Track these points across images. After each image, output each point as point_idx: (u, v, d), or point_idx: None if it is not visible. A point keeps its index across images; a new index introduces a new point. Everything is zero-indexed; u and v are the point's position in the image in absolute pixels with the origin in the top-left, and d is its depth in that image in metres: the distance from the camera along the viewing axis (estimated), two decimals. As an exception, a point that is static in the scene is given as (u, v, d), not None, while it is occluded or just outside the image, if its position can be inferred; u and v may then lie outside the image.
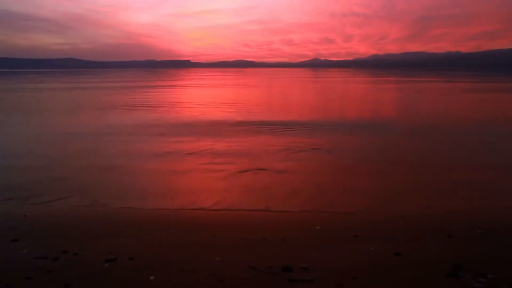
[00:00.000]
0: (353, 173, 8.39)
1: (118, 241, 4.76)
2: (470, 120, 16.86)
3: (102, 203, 6.47)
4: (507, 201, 6.66)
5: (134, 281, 3.72)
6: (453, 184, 7.59)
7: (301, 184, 7.50)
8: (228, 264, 4.06)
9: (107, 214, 5.85)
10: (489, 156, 10.06)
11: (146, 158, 9.70)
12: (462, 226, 5.23)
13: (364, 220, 5.53)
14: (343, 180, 7.85)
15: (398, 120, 17.23)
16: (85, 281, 3.72)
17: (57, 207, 6.34)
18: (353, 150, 10.69)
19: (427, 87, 43.16)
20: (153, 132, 13.51)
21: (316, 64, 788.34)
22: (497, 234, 4.98)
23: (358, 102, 26.83)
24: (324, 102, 27.05)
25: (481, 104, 25.15)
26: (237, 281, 3.70)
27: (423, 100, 27.83)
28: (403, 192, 7.10)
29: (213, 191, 7.20)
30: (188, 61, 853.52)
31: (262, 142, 11.66)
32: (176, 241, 4.77)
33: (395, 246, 4.54)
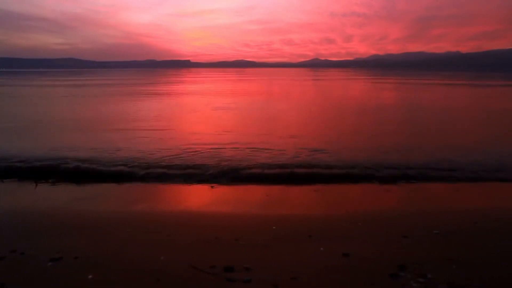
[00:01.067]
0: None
1: (69, 240, 4.74)
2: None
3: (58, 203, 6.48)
4: (467, 202, 6.67)
5: (72, 280, 3.71)
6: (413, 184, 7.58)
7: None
8: (170, 263, 4.05)
9: (61, 213, 5.84)
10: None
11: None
12: (420, 226, 5.21)
13: (321, 220, 5.51)
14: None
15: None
16: (22, 280, 3.71)
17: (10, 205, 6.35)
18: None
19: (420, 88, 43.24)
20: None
21: (316, 64, 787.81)
22: (453, 235, 4.96)
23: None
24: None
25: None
26: (173, 280, 3.68)
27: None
28: (361, 193, 7.11)
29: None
30: (188, 61, 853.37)
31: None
32: (128, 241, 4.75)
33: (346, 246, 4.52)
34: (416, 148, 10.64)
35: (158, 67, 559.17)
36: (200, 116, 18.29)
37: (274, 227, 5.26)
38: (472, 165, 8.75)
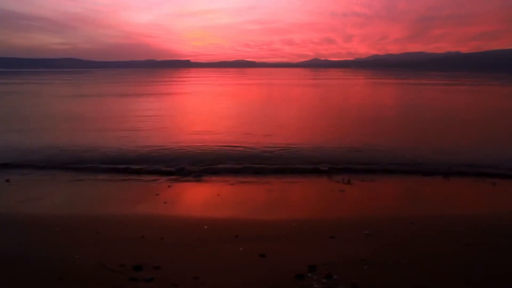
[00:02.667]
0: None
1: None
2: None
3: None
4: (401, 203, 6.62)
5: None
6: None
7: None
8: (82, 262, 4.03)
9: None
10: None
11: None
12: (351, 227, 5.15)
13: (249, 220, 5.47)
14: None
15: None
16: None
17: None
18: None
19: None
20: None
21: (316, 64, 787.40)
22: (383, 236, 4.90)
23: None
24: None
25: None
26: (76, 278, 3.65)
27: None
28: (295, 195, 7.12)
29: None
30: (188, 61, 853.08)
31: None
32: (53, 240, 4.72)
33: (269, 246, 4.48)
34: (366, 149, 10.62)
35: (158, 67, 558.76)
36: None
37: (205, 227, 5.21)
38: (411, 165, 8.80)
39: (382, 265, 3.96)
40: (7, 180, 7.79)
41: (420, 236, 4.96)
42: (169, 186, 7.46)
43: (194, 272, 3.78)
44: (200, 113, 20.09)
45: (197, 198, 6.92)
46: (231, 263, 4.04)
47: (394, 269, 3.89)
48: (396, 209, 6.16)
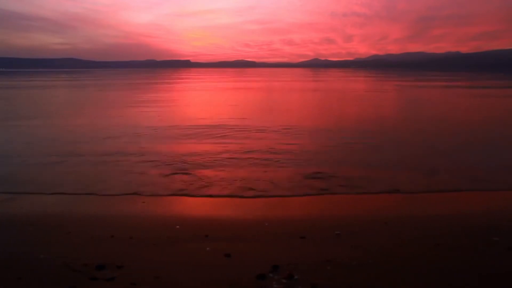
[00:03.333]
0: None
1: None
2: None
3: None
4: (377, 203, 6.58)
5: None
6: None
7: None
8: (45, 262, 4.03)
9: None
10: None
11: None
12: (323, 227, 5.13)
13: (222, 220, 5.46)
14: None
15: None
16: None
17: None
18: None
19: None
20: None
21: (316, 64, 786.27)
22: (354, 236, 4.89)
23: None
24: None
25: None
26: (36, 278, 3.63)
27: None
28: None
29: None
30: (188, 61, 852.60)
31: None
32: (23, 240, 4.71)
33: (236, 246, 4.46)
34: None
35: (158, 67, 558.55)
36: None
37: (177, 227, 5.19)
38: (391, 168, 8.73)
39: (345, 265, 3.94)
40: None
41: (392, 236, 4.95)
42: (146, 186, 7.46)
43: (156, 271, 3.77)
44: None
45: (173, 198, 6.88)
46: (196, 262, 4.03)
47: (357, 269, 3.87)
48: (372, 210, 6.13)
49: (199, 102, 27.89)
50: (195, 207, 6.35)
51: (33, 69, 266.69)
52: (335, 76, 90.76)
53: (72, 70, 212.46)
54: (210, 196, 6.84)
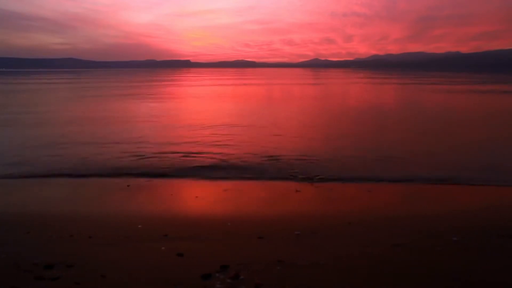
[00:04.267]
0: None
1: None
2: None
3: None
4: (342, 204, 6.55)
5: None
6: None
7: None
8: (-2, 262, 3.98)
9: None
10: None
11: None
12: (283, 227, 5.12)
13: (184, 220, 5.45)
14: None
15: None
16: None
17: None
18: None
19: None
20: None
21: (316, 64, 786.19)
22: (314, 236, 4.88)
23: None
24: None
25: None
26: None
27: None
28: (235, 193, 7.13)
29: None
30: (188, 61, 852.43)
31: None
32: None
33: (189, 246, 4.46)
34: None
35: (158, 67, 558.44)
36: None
37: (140, 226, 5.19)
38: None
39: (296, 266, 3.94)
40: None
41: (353, 236, 4.94)
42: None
43: (104, 270, 3.77)
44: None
45: (139, 197, 6.87)
46: (146, 262, 4.02)
47: (307, 270, 3.86)
48: (336, 211, 6.11)
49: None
50: (159, 205, 6.34)
51: (33, 69, 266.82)
52: (335, 77, 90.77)
53: (72, 70, 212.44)
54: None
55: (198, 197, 6.81)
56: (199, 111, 20.59)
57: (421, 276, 3.86)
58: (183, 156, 9.81)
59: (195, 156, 9.79)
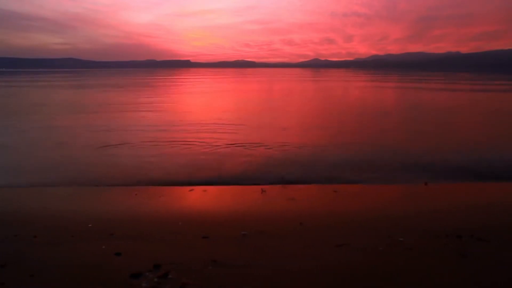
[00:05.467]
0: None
1: None
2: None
3: None
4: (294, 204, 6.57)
5: None
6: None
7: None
8: None
9: None
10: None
11: None
12: (231, 227, 5.12)
13: (134, 219, 5.46)
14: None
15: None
16: None
17: None
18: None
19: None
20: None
21: (316, 65, 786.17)
22: (260, 236, 4.88)
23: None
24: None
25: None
26: None
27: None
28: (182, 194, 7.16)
29: None
30: (188, 61, 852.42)
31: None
32: None
33: (130, 245, 4.46)
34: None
35: (158, 67, 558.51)
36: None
37: (90, 225, 5.20)
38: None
39: (228, 266, 3.94)
40: None
41: (302, 237, 4.92)
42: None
43: (36, 270, 3.77)
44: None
45: (93, 197, 6.88)
46: (81, 261, 4.03)
47: (238, 269, 3.87)
48: (292, 211, 6.09)
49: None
50: (112, 205, 6.34)
51: (33, 69, 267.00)
52: (335, 78, 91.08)
53: (72, 70, 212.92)
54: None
55: (161, 199, 6.83)
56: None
57: (363, 276, 3.85)
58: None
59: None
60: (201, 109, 23.46)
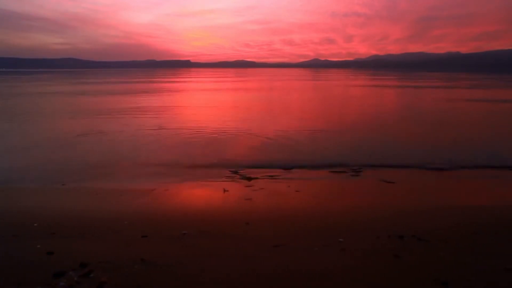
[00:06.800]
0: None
1: None
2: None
3: None
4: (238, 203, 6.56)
5: None
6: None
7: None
8: None
9: None
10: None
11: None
12: (172, 227, 5.15)
13: (76, 217, 5.48)
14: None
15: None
16: None
17: None
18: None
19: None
20: None
21: (316, 65, 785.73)
22: (201, 236, 4.91)
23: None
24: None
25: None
26: None
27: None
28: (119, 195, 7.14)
29: None
30: (188, 61, 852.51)
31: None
32: None
33: (66, 244, 4.51)
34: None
35: (158, 67, 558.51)
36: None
37: (35, 224, 5.24)
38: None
39: (154, 264, 3.98)
40: None
41: (244, 237, 4.95)
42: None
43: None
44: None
45: (48, 196, 6.92)
46: (16, 260, 4.06)
47: (164, 268, 3.90)
48: (236, 211, 6.13)
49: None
50: (55, 203, 6.38)
51: (33, 69, 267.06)
52: (335, 78, 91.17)
53: (72, 70, 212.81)
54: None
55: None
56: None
57: (290, 276, 3.87)
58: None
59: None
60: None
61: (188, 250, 4.42)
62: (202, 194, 7.34)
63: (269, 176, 8.47)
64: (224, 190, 7.39)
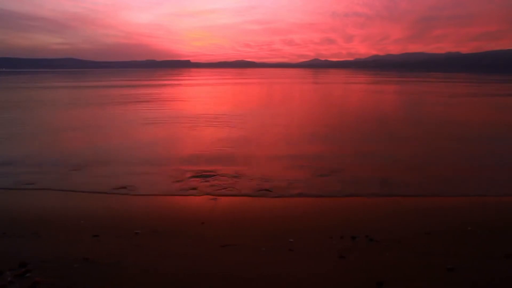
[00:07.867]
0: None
1: None
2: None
3: None
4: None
5: None
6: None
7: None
8: None
9: None
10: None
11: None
12: (124, 227, 5.18)
13: (29, 219, 5.51)
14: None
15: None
16: None
17: None
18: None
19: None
20: None
21: (316, 65, 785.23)
22: (153, 235, 4.94)
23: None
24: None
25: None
26: None
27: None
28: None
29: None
30: (188, 61, 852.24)
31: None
32: None
33: (11, 244, 4.54)
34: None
35: (158, 67, 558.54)
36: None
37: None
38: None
39: (97, 263, 4.00)
40: None
41: (193, 235, 4.97)
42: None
43: None
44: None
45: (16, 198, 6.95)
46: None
47: (103, 267, 3.93)
48: (192, 212, 6.15)
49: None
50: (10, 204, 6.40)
51: (33, 69, 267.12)
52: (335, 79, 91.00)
53: (72, 71, 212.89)
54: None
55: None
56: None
57: (237, 276, 3.89)
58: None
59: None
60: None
61: (138, 250, 4.45)
62: (165, 194, 7.32)
63: (234, 175, 8.36)
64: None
